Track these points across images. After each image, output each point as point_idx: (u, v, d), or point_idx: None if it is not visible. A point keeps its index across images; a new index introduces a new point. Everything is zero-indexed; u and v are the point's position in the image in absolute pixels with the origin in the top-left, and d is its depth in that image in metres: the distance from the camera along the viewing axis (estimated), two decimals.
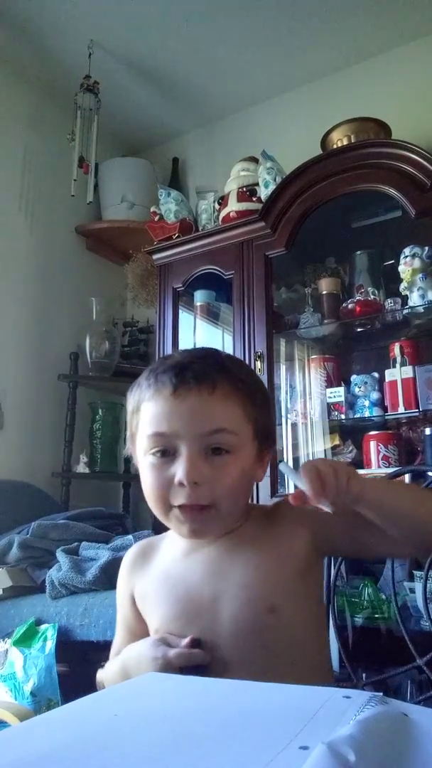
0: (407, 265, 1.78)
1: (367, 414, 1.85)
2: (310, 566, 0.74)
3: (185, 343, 2.21)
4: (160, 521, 0.75)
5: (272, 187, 1.96)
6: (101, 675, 0.80)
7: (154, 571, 0.79)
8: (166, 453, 0.71)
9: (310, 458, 1.95)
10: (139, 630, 0.78)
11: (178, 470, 0.69)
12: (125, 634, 0.81)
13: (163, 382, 0.71)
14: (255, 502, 1.74)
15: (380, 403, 1.84)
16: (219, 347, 2.20)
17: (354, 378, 1.91)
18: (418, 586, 1.52)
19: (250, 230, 2.00)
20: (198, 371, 0.71)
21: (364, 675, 1.19)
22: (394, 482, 0.73)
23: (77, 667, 1.47)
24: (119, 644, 0.81)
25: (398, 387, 1.78)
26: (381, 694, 0.43)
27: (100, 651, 1.50)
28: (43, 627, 1.47)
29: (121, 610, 0.83)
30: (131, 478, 2.47)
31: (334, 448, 1.94)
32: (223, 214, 2.10)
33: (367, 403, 1.86)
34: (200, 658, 0.67)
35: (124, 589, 0.82)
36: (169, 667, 0.66)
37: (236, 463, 0.71)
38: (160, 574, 0.78)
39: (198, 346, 2.27)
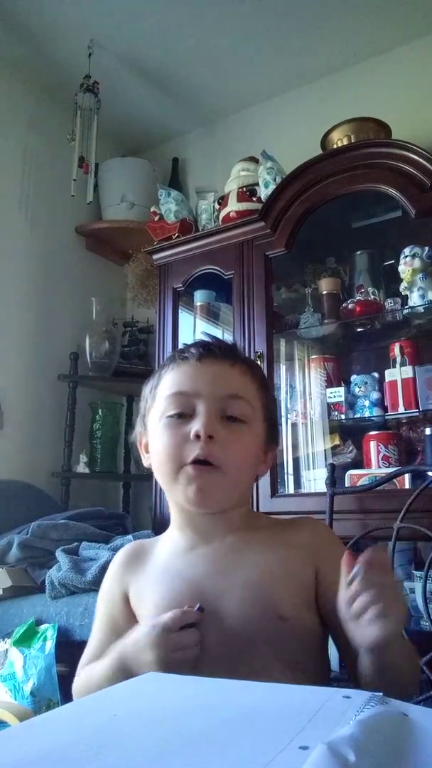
0: (407, 265, 1.78)
1: (367, 414, 1.85)
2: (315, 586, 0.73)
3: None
4: (164, 497, 0.75)
5: (272, 187, 1.96)
6: (79, 685, 0.75)
7: (151, 568, 0.78)
8: (182, 416, 0.74)
9: (311, 460, 1.95)
10: (127, 631, 0.75)
11: (195, 424, 0.72)
12: (109, 636, 0.77)
13: (190, 353, 0.77)
14: (255, 503, 1.74)
15: (380, 403, 1.84)
16: None
17: (354, 378, 1.91)
18: (418, 586, 1.53)
19: (250, 230, 2.00)
20: (221, 347, 0.78)
21: None
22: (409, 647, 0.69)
23: (77, 667, 1.47)
24: (98, 647, 0.77)
25: (398, 387, 1.78)
26: (381, 694, 0.43)
27: None
28: (43, 627, 1.47)
29: (108, 610, 0.80)
30: (131, 478, 2.47)
31: (334, 448, 1.94)
32: (223, 214, 2.10)
33: (367, 403, 1.86)
34: (194, 616, 0.66)
35: (115, 588, 0.80)
36: (166, 631, 0.64)
37: (249, 434, 0.75)
38: (158, 570, 0.77)
39: None
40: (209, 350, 0.77)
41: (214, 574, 0.72)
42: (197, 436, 0.71)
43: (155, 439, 0.76)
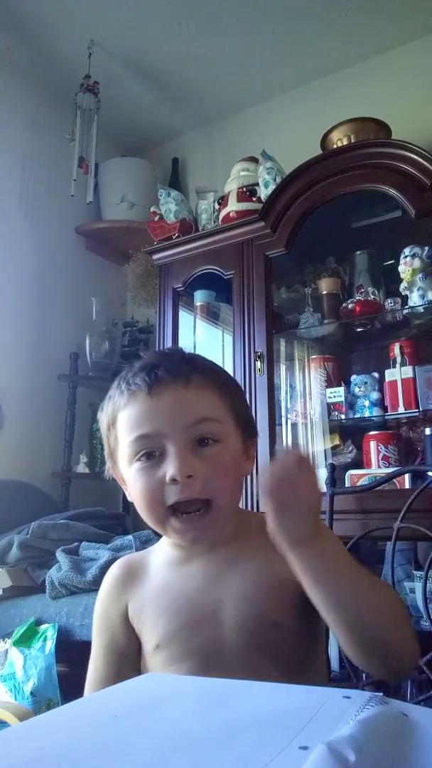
0: (407, 265, 1.78)
1: (367, 414, 1.85)
2: None
3: (185, 343, 2.20)
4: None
5: (272, 187, 1.96)
6: None
7: (149, 583, 0.76)
8: (152, 456, 0.68)
9: (311, 460, 1.95)
10: (130, 651, 0.75)
11: (169, 467, 0.66)
12: (112, 659, 0.75)
13: (137, 384, 0.70)
14: (255, 504, 1.74)
15: (380, 403, 1.84)
16: (219, 347, 2.21)
17: (354, 378, 1.91)
18: (418, 586, 1.53)
19: (250, 230, 2.00)
20: (169, 367, 0.70)
21: (364, 675, 1.19)
22: (354, 565, 0.63)
23: (77, 667, 1.46)
24: (102, 674, 0.75)
25: (398, 387, 1.78)
26: (381, 694, 0.43)
27: None
28: (43, 627, 1.47)
29: (107, 633, 0.77)
30: None
31: (334, 448, 1.94)
32: (223, 214, 2.10)
33: (367, 403, 1.86)
34: None
35: (112, 609, 0.77)
36: None
37: (226, 452, 0.70)
38: (158, 586, 0.75)
39: (198, 346, 2.27)
40: (156, 378, 0.69)
41: (210, 587, 0.71)
42: (174, 480, 0.66)
43: (131, 485, 0.71)
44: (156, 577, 0.76)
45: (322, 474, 1.68)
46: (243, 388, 0.83)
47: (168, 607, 0.72)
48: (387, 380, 1.83)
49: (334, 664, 1.35)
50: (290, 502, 0.58)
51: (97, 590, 1.56)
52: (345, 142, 1.96)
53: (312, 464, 0.62)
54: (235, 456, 0.72)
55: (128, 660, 0.75)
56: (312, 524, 0.60)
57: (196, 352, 0.81)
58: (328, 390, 1.92)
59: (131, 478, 0.71)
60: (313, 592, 0.60)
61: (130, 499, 0.74)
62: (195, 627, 0.70)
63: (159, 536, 0.81)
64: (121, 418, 0.71)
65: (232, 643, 0.68)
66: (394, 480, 1.57)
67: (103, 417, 0.76)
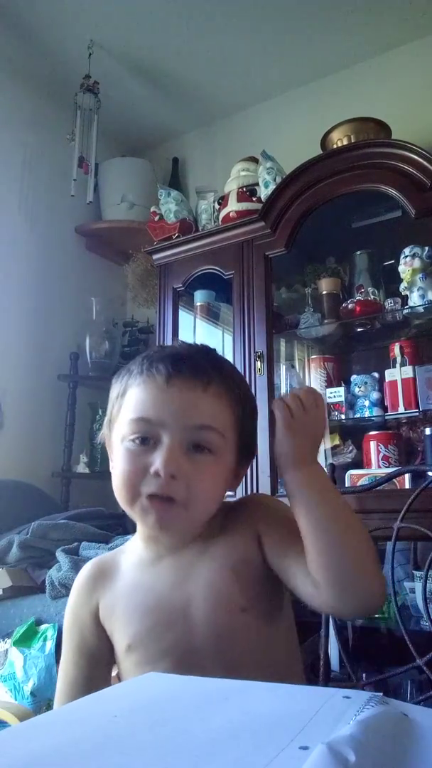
0: (407, 265, 1.78)
1: (367, 414, 1.85)
2: (271, 569, 0.71)
3: None
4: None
5: (272, 187, 1.96)
6: None
7: (120, 583, 0.76)
8: (145, 441, 0.68)
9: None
10: (101, 653, 0.74)
11: (156, 459, 0.66)
12: (83, 662, 0.75)
13: (158, 369, 0.69)
14: None
15: (380, 403, 1.84)
16: (219, 347, 2.21)
17: (354, 378, 1.91)
18: (418, 586, 1.53)
19: (250, 230, 2.00)
20: (195, 365, 0.70)
21: (364, 675, 1.19)
22: (340, 495, 0.70)
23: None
24: (73, 675, 0.74)
25: (398, 387, 1.78)
26: (381, 694, 0.43)
27: None
28: (43, 627, 1.47)
29: (77, 635, 0.76)
30: None
31: (334, 448, 1.94)
32: (223, 214, 2.10)
33: (367, 403, 1.86)
34: None
35: (83, 609, 0.76)
36: None
37: (217, 466, 0.69)
38: (128, 586, 0.75)
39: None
40: (178, 370, 0.68)
41: (180, 584, 0.71)
42: (157, 474, 0.66)
43: (114, 461, 0.71)
44: (126, 576, 0.76)
45: None
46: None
47: (137, 607, 0.72)
48: (387, 380, 1.83)
49: (335, 665, 1.35)
50: (299, 422, 0.67)
51: None
52: (345, 142, 1.96)
53: (324, 403, 0.71)
54: (225, 472, 0.71)
55: (98, 663, 0.74)
56: (312, 451, 0.68)
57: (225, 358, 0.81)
58: (328, 390, 1.92)
59: (117, 455, 0.71)
60: (301, 513, 0.66)
61: (111, 469, 0.74)
62: (166, 627, 0.69)
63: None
64: (131, 394, 0.71)
65: (203, 639, 0.68)
66: (394, 480, 1.57)
67: (116, 385, 0.75)
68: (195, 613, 0.69)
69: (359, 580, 0.63)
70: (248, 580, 0.70)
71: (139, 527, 0.76)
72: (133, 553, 0.78)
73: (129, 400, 0.71)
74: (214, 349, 0.78)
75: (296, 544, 0.66)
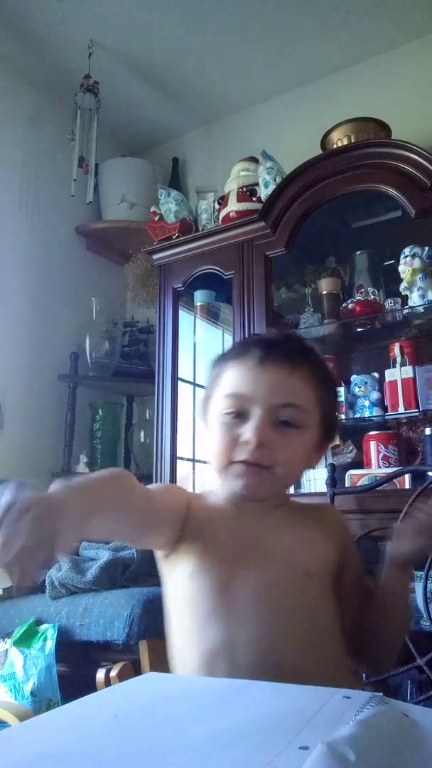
0: (407, 265, 1.78)
1: (367, 414, 1.85)
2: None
3: (185, 343, 2.20)
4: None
5: (272, 187, 1.96)
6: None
7: (211, 508, 0.81)
8: (238, 415, 0.77)
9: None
10: (159, 521, 0.75)
11: (247, 430, 0.75)
12: (145, 503, 0.74)
13: (252, 352, 0.78)
14: None
15: (380, 403, 1.84)
16: (219, 347, 2.21)
17: (354, 378, 1.91)
18: (418, 586, 1.52)
19: (250, 230, 2.00)
20: (285, 350, 0.79)
21: (364, 675, 1.19)
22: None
23: (77, 667, 1.47)
24: (148, 498, 0.76)
25: (398, 387, 1.78)
26: (381, 694, 0.44)
27: (100, 651, 1.50)
28: (43, 627, 1.47)
29: (169, 489, 0.88)
30: None
31: (334, 448, 1.93)
32: (223, 214, 2.10)
33: (367, 403, 1.86)
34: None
35: (182, 498, 0.80)
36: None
37: (300, 438, 0.77)
38: (217, 520, 0.79)
39: (198, 346, 2.27)
40: (269, 353, 0.78)
41: (260, 535, 0.78)
42: (248, 442, 0.74)
43: (212, 433, 0.80)
44: (216, 507, 0.81)
45: (323, 473, 1.68)
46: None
47: (224, 541, 0.76)
48: (387, 380, 1.83)
49: None
50: (429, 529, 0.78)
51: (97, 590, 1.56)
52: (345, 142, 1.96)
53: None
54: (308, 446, 0.79)
55: (149, 515, 0.74)
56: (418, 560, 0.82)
57: (308, 343, 0.87)
58: None
59: (214, 428, 0.80)
60: (387, 601, 0.80)
61: (206, 441, 0.83)
62: (254, 569, 0.74)
63: None
64: (228, 373, 0.80)
65: (271, 585, 0.73)
66: (394, 480, 1.57)
67: (216, 366, 0.84)
68: (268, 565, 0.75)
69: (384, 656, 0.84)
70: (317, 558, 0.78)
71: (226, 491, 0.82)
72: (219, 496, 0.83)
73: (225, 379, 0.80)
74: (303, 338, 0.89)
75: (353, 595, 0.80)
